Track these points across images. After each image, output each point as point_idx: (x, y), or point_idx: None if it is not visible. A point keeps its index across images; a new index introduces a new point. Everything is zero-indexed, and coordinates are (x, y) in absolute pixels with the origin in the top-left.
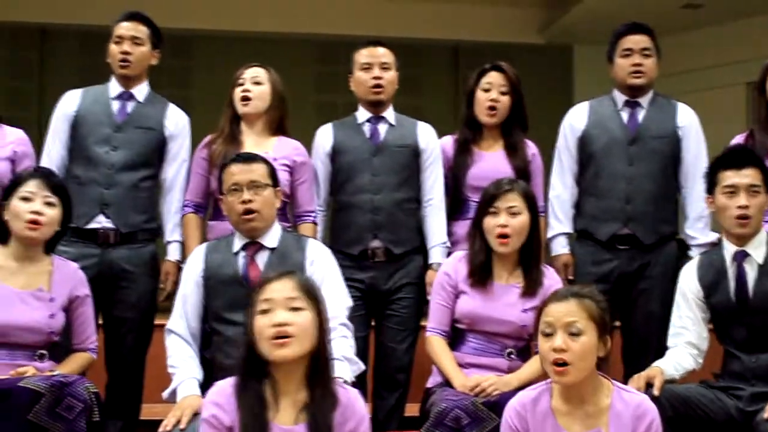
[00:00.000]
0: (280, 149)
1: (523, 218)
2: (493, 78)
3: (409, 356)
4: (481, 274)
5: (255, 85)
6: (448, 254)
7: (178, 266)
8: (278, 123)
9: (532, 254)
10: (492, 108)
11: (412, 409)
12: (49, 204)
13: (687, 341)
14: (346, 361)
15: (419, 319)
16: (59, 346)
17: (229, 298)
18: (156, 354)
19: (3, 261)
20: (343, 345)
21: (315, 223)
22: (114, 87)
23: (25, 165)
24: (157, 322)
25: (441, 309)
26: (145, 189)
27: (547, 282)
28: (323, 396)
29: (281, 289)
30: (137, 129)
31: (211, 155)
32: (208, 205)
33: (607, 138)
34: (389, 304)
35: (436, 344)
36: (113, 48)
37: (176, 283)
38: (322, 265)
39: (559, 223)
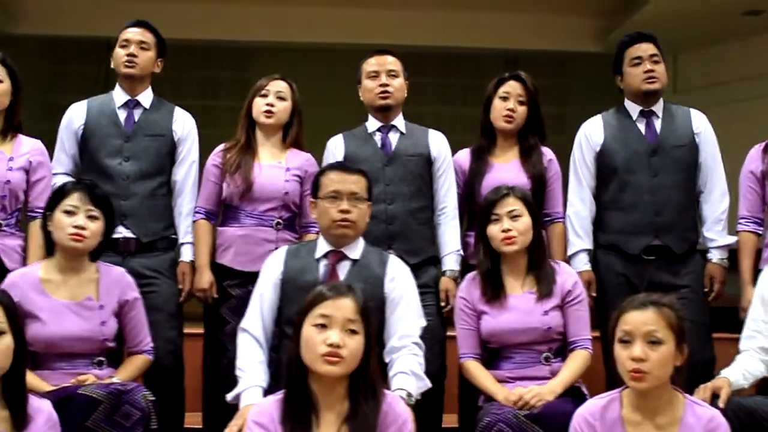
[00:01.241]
0: (293, 160)
1: (525, 220)
2: (512, 87)
3: (438, 364)
4: (493, 289)
5: (279, 100)
6: (463, 264)
7: (193, 266)
8: (295, 138)
9: (537, 256)
10: (508, 117)
11: (450, 420)
12: (91, 217)
13: (759, 346)
14: (413, 376)
15: (445, 327)
16: (116, 352)
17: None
18: (197, 364)
19: (50, 274)
20: (412, 361)
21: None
22: (119, 96)
23: (40, 175)
24: (187, 331)
25: (468, 333)
26: (161, 196)
27: (560, 278)
28: (365, 407)
29: (342, 309)
30: (147, 137)
31: (224, 163)
32: (219, 212)
33: (627, 151)
34: None
35: (472, 368)
36: (118, 51)
37: (192, 282)
38: (401, 282)
39: (579, 239)
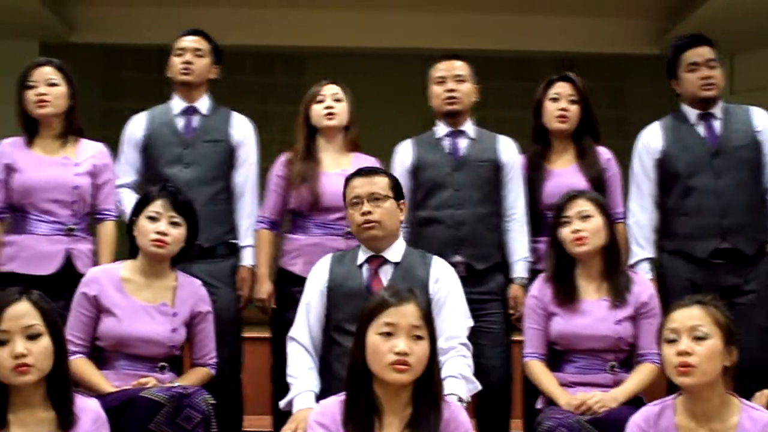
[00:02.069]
0: (358, 164)
1: (596, 220)
2: (561, 88)
3: (508, 372)
4: (566, 292)
5: (337, 102)
6: (531, 270)
7: (253, 271)
8: (354, 140)
9: (613, 262)
10: (562, 117)
11: (516, 425)
12: (174, 224)
13: None
14: (462, 379)
15: (510, 333)
16: (180, 360)
17: (351, 310)
18: (254, 367)
19: (131, 275)
20: (460, 363)
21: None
22: (177, 103)
23: (105, 178)
24: (247, 335)
25: (535, 333)
26: (221, 201)
27: (636, 288)
28: (428, 413)
29: (406, 315)
30: (205, 143)
31: (289, 175)
32: (282, 222)
33: (689, 155)
34: (476, 321)
35: (535, 369)
36: (174, 59)
37: (252, 288)
38: (446, 283)
39: (641, 249)
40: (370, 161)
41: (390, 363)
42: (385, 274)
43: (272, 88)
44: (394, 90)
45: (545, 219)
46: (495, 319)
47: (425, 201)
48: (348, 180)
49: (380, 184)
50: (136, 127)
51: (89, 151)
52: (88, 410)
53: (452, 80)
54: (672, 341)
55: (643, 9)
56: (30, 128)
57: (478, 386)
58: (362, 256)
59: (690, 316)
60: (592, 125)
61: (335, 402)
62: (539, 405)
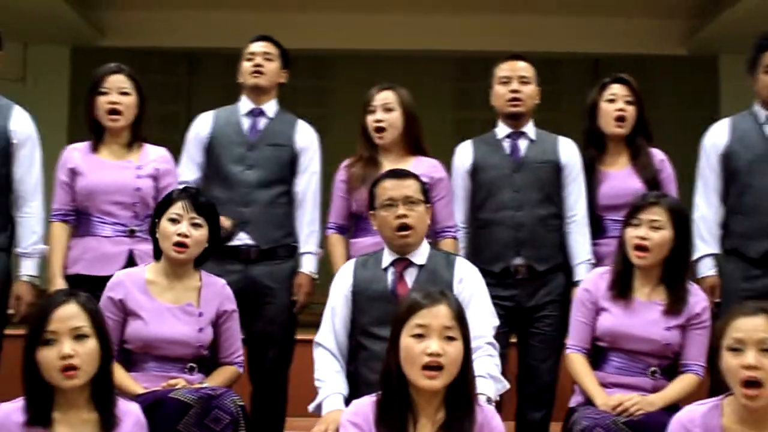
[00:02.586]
0: (418, 167)
1: (665, 233)
2: (617, 89)
3: (554, 375)
4: (621, 288)
5: (386, 113)
6: None
7: (311, 278)
8: (414, 143)
9: (677, 271)
10: (620, 119)
11: (555, 429)
12: (195, 225)
13: None
14: (490, 379)
15: (563, 337)
16: (208, 360)
17: (376, 313)
18: (299, 368)
19: (155, 277)
20: (488, 363)
21: (455, 239)
22: (245, 104)
23: (167, 182)
24: (299, 336)
25: (581, 326)
26: (281, 205)
27: (692, 299)
28: (462, 417)
29: (438, 316)
30: (269, 146)
31: (350, 178)
32: (350, 226)
33: (750, 154)
34: (533, 322)
35: (576, 362)
36: (245, 64)
37: (309, 294)
38: (470, 283)
39: (705, 244)
40: (430, 163)
41: (422, 365)
42: (410, 277)
43: (298, 90)
44: (422, 92)
45: (602, 221)
46: (551, 321)
47: (485, 203)
48: (378, 181)
49: (413, 187)
50: (202, 125)
51: (152, 155)
52: (130, 413)
53: (516, 81)
54: (736, 350)
55: (672, 9)
56: (97, 132)
57: (507, 385)
58: (388, 258)
59: (756, 327)
60: (645, 126)
61: (368, 402)
62: (573, 403)
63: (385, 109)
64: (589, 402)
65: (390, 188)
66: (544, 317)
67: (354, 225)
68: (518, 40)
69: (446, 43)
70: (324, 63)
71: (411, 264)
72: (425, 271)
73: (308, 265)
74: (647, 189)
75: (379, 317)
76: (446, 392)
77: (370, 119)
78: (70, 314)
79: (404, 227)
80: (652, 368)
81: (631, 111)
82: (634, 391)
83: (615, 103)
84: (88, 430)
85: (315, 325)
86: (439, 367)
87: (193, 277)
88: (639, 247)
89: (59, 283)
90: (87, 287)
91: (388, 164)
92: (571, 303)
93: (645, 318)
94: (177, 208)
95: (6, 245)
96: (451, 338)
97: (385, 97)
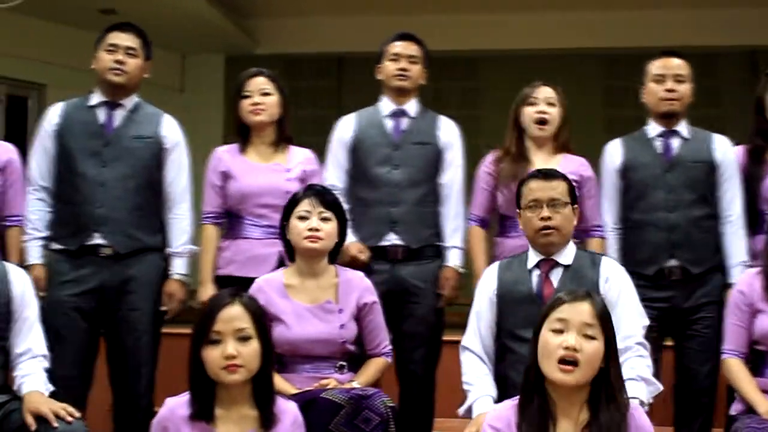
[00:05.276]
0: (567, 165)
1: None
2: None
3: (713, 379)
4: None
5: (549, 106)
6: None
7: (458, 272)
8: (564, 143)
9: None
10: None
11: None
12: (324, 219)
13: None
14: (642, 381)
15: (719, 339)
16: (357, 357)
17: (522, 315)
18: (446, 369)
19: (292, 279)
20: (639, 365)
21: (603, 238)
22: (386, 105)
23: (314, 183)
24: (446, 337)
25: (737, 330)
26: (429, 203)
27: None
28: (607, 418)
29: (580, 313)
30: (414, 145)
31: (498, 173)
32: (492, 220)
33: None
34: (690, 325)
35: (734, 367)
36: (389, 65)
37: (455, 289)
38: (617, 282)
39: None
40: (578, 161)
41: (558, 359)
42: (555, 277)
43: (446, 91)
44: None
45: (763, 216)
46: (709, 323)
47: (636, 203)
48: (524, 181)
49: (559, 189)
50: (345, 128)
51: (299, 157)
52: (288, 412)
53: (671, 79)
54: None
55: None
56: (243, 135)
57: (660, 387)
58: (533, 259)
59: None
60: None
61: (510, 406)
62: (734, 411)
63: (548, 104)
64: (750, 410)
65: (536, 189)
66: (702, 319)
67: (500, 223)
68: (669, 34)
69: (594, 40)
70: (471, 64)
71: (556, 264)
72: (571, 271)
73: (454, 259)
74: None
75: (524, 319)
76: (588, 392)
77: (531, 111)
78: (234, 316)
79: (547, 228)
80: None
81: None
82: None
83: None
84: (247, 427)
85: (461, 326)
86: (574, 362)
87: (329, 273)
88: None
89: (210, 285)
90: (238, 289)
91: (537, 161)
92: (725, 305)
93: None
94: (305, 205)
95: (159, 245)
96: (590, 337)
97: (548, 91)
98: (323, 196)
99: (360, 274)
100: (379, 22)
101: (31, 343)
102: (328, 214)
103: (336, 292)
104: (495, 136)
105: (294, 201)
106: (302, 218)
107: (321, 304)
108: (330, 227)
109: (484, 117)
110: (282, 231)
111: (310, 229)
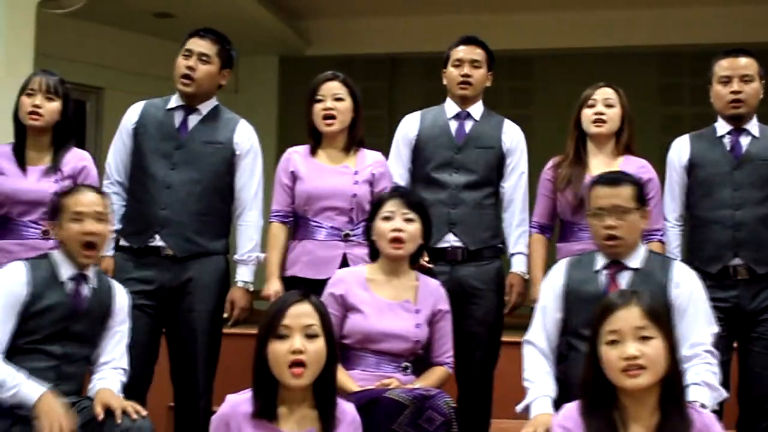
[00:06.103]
0: (627, 168)
1: None
2: None
3: None
4: None
5: (607, 108)
6: None
7: (523, 278)
8: (626, 143)
9: None
10: None
11: None
12: (408, 220)
13: None
14: (705, 387)
15: None
16: (420, 361)
17: (588, 315)
18: (505, 370)
19: (374, 275)
20: (704, 371)
21: (661, 242)
22: (450, 107)
23: (382, 186)
24: (504, 339)
25: None
26: (488, 206)
27: None
28: (676, 422)
29: (628, 318)
30: (476, 148)
31: (556, 178)
32: (554, 226)
33: None
34: (755, 326)
35: None
36: (452, 71)
37: (521, 295)
38: (687, 288)
39: None
40: (639, 164)
41: (621, 369)
42: (624, 280)
43: (499, 91)
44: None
45: None
46: None
47: (701, 201)
48: (592, 185)
49: (624, 195)
50: (410, 126)
51: (369, 159)
52: (347, 413)
53: (737, 80)
54: None
55: None
56: (315, 137)
57: (724, 394)
58: (601, 261)
59: None
60: None
61: (578, 407)
62: None
63: (607, 105)
64: None
65: (601, 196)
66: (766, 321)
67: (561, 229)
68: (725, 31)
69: (648, 38)
70: (525, 63)
71: (625, 267)
72: (640, 274)
73: (519, 265)
74: None
75: (590, 319)
76: (659, 394)
77: (589, 112)
78: (303, 312)
79: (611, 237)
80: None
81: None
82: None
83: None
84: (307, 426)
85: (520, 328)
86: (640, 367)
87: (410, 275)
88: None
89: (276, 281)
90: (307, 291)
91: (596, 164)
92: None
93: None
94: (389, 206)
95: (225, 250)
96: (646, 338)
97: (606, 92)
98: (408, 197)
99: (437, 282)
100: (431, 23)
101: (115, 355)
102: (412, 215)
103: (415, 294)
104: (546, 136)
105: (379, 202)
106: (386, 219)
107: (400, 302)
108: (413, 228)
109: (535, 117)
110: (367, 231)
111: (394, 230)
